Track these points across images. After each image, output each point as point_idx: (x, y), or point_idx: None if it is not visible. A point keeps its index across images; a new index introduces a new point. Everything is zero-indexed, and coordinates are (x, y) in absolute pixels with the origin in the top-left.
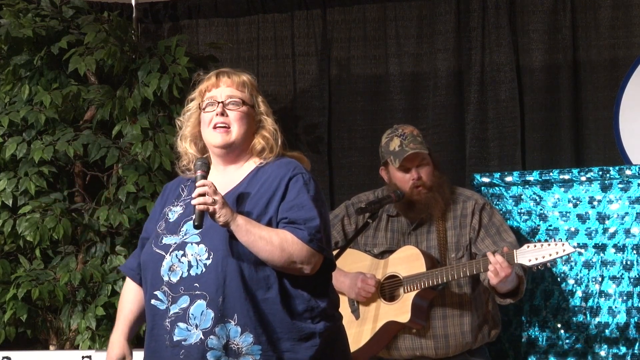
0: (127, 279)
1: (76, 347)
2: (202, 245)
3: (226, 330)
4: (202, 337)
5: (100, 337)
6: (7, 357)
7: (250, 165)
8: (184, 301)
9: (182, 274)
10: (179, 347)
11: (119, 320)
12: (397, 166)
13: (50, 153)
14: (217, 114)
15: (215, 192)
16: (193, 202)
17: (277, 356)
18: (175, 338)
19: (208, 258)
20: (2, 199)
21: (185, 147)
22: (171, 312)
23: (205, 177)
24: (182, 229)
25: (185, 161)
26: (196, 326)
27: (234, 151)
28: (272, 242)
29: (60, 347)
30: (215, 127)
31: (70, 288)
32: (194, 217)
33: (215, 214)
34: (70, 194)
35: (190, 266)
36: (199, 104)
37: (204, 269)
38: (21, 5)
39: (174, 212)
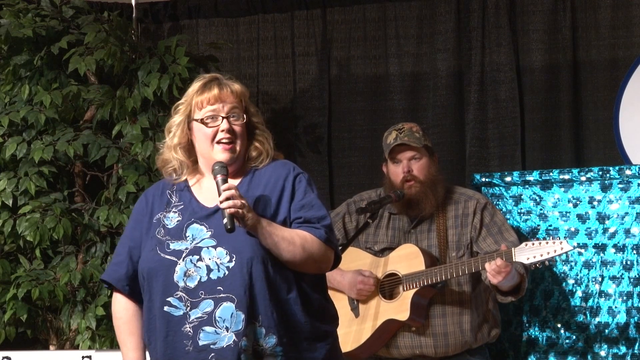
0: (117, 296)
1: (76, 347)
2: (220, 249)
3: (254, 331)
4: (235, 339)
5: (100, 337)
6: (7, 357)
7: (245, 169)
8: (207, 305)
9: (200, 279)
10: (207, 351)
11: (132, 349)
12: (387, 156)
13: (50, 153)
14: (223, 130)
15: (241, 195)
16: (222, 205)
17: (297, 356)
18: (202, 342)
19: (230, 261)
20: (2, 199)
21: (174, 155)
22: (192, 317)
23: (226, 180)
24: (187, 235)
25: (175, 166)
26: (227, 329)
27: (236, 164)
28: (295, 243)
29: (60, 347)
30: (219, 143)
31: (70, 288)
32: (225, 221)
33: (245, 217)
34: (70, 194)
35: (209, 270)
36: (190, 114)
37: (227, 272)
38: (21, 5)
39: (170, 219)
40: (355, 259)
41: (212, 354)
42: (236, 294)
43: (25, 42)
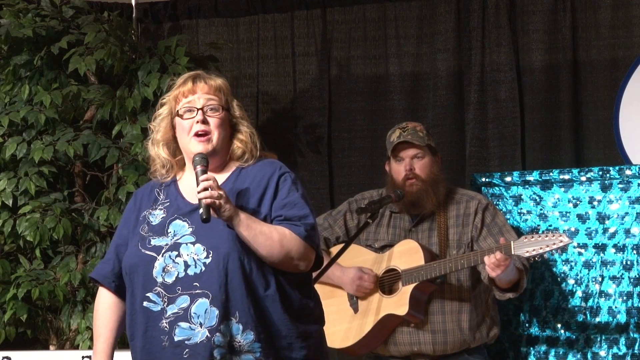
0: (101, 290)
1: (76, 347)
2: (198, 245)
3: (229, 327)
4: (209, 335)
5: None
6: (7, 357)
7: (231, 167)
8: (183, 301)
9: (178, 275)
10: (182, 347)
11: (102, 342)
12: (390, 154)
13: (50, 153)
14: (197, 122)
15: (219, 186)
16: (199, 195)
17: (276, 354)
18: (177, 338)
19: (207, 257)
20: (2, 199)
21: (157, 151)
22: (169, 313)
23: (205, 171)
24: (169, 231)
25: (158, 165)
26: (200, 324)
27: (215, 158)
28: (272, 238)
29: (60, 347)
30: (195, 135)
31: (70, 288)
32: (200, 211)
33: (221, 208)
34: (70, 194)
35: (187, 266)
36: (172, 109)
37: (203, 268)
38: (21, 5)
39: (155, 216)
40: (356, 256)
41: (187, 350)
42: (211, 290)
43: (25, 42)
